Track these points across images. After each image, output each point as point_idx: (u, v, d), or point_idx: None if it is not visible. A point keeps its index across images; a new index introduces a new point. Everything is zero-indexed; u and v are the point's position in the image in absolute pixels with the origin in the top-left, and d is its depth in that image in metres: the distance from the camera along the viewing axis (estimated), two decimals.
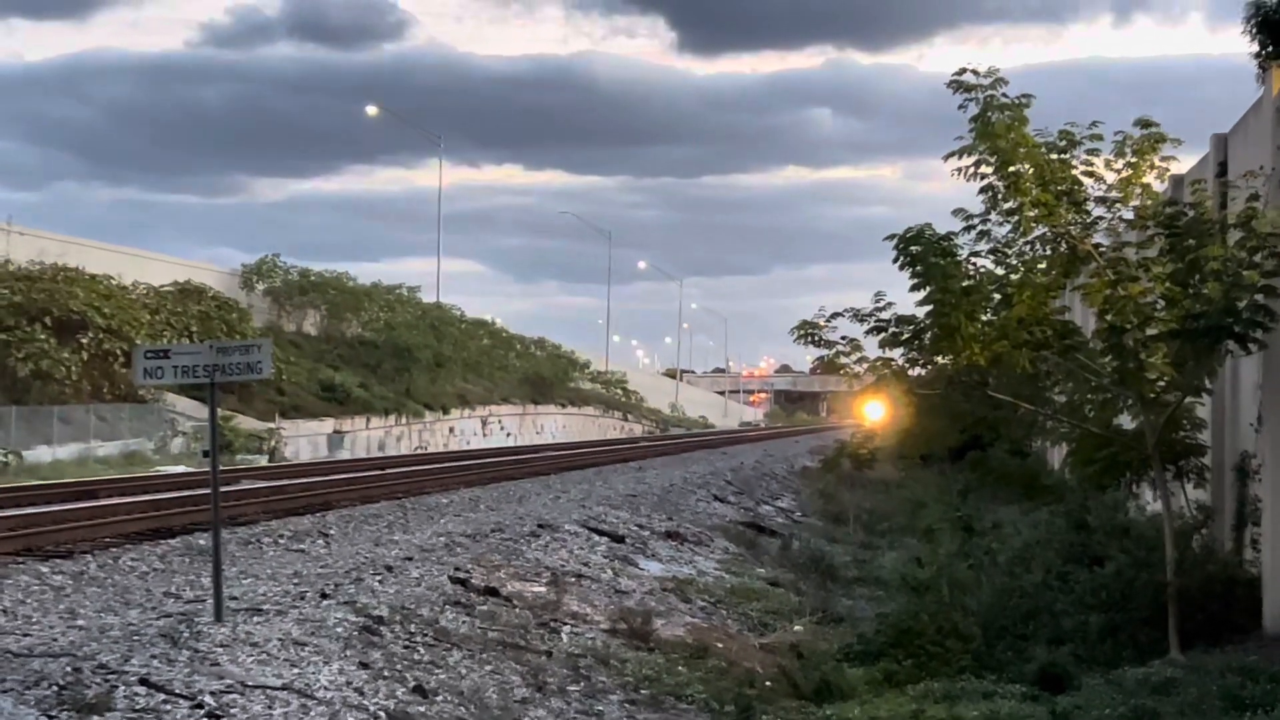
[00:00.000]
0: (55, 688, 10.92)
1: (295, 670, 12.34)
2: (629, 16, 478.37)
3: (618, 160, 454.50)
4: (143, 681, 11.22)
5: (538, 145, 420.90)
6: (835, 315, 17.15)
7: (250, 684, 11.63)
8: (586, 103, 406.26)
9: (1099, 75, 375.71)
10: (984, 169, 15.95)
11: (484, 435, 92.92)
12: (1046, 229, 16.04)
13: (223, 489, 16.37)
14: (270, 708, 11.19)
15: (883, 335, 16.86)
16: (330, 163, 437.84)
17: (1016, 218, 15.98)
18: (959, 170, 16.06)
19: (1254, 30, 25.65)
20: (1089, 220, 16.14)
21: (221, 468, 15.47)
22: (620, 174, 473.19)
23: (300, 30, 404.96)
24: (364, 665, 12.97)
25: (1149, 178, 16.01)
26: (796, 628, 18.87)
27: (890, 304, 16.89)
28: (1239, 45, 26.19)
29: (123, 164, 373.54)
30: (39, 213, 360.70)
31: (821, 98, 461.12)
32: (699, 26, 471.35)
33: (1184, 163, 18.55)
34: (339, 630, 13.93)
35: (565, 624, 16.80)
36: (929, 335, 16.42)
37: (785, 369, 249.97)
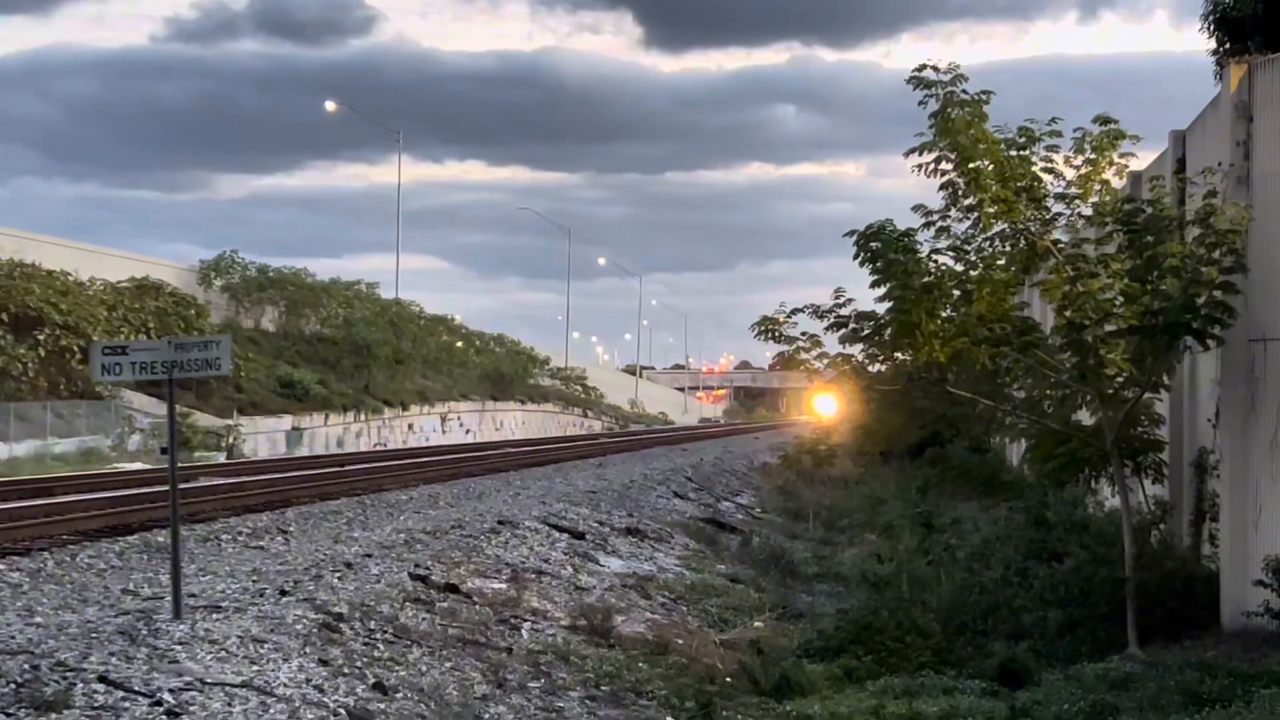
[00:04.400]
0: (13, 685, 10.85)
1: (255, 667, 12.28)
2: (595, 12, 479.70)
3: (582, 156, 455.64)
4: (101, 679, 11.16)
5: (501, 141, 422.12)
6: (795, 311, 17.17)
7: (209, 681, 11.57)
8: (551, 99, 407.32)
9: (1064, 72, 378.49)
10: (944, 165, 15.99)
11: (443, 432, 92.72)
12: (1006, 225, 16.09)
13: (181, 486, 16.30)
14: (230, 705, 11.13)
15: (843, 331, 16.88)
16: (293, 158, 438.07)
17: (976, 214, 16.04)
18: (919, 167, 16.10)
19: (1212, 27, 25.74)
20: (1048, 217, 16.21)
21: (180, 465, 15.40)
22: (584, 170, 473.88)
23: (267, 26, 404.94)
24: (324, 662, 12.92)
25: (1108, 174, 16.09)
26: (757, 624, 18.88)
27: (850, 300, 16.93)
28: (1201, 42, 26.29)
29: (84, 160, 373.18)
30: None
31: (786, 94, 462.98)
32: (667, 22, 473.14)
33: (1143, 159, 18.64)
34: (298, 627, 13.88)
35: (525, 621, 16.77)
36: (889, 331, 16.45)
37: (745, 365, 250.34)
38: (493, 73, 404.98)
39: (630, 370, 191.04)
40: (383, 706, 12.09)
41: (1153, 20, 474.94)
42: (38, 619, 14.49)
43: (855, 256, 16.40)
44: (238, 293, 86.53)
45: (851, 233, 16.48)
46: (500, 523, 24.49)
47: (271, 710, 11.24)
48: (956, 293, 16.41)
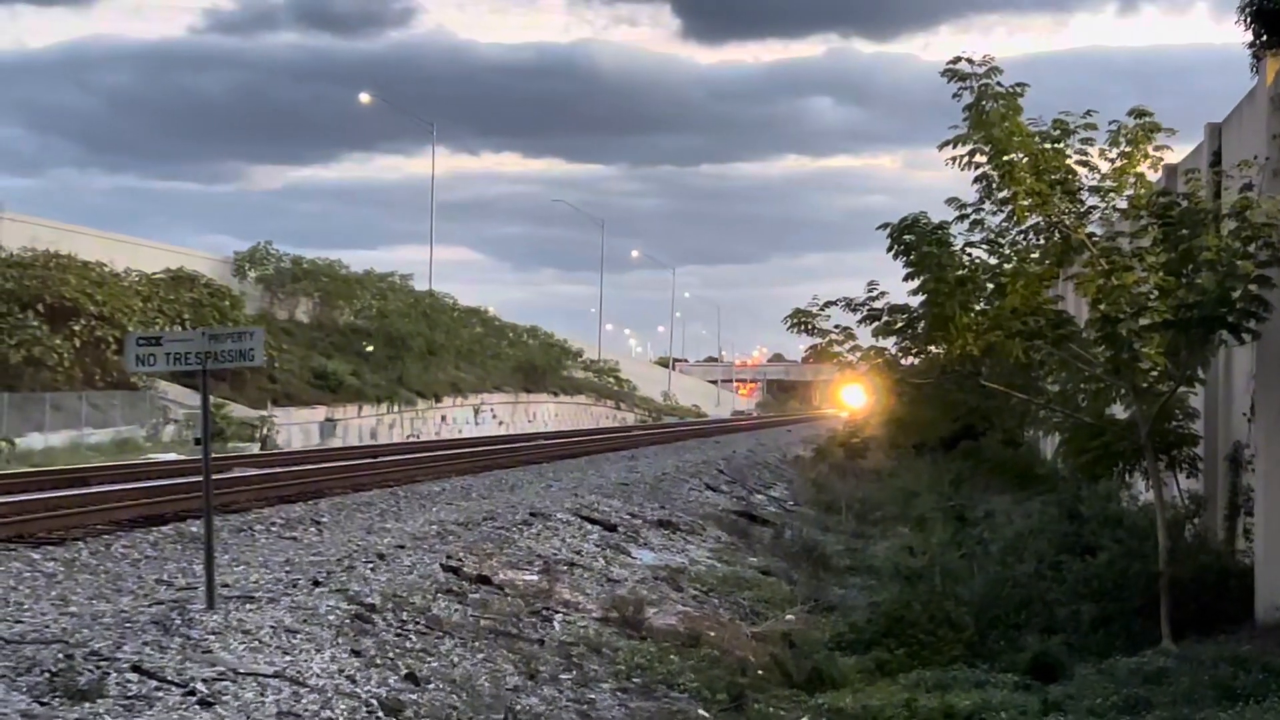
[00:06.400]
0: (47, 674, 10.91)
1: (287, 658, 12.33)
2: (632, 4, 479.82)
3: (617, 148, 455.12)
4: (135, 668, 11.21)
5: (537, 133, 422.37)
6: (828, 304, 17.13)
7: (242, 671, 11.62)
8: (587, 91, 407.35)
9: (1102, 65, 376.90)
10: (978, 158, 15.91)
11: (476, 423, 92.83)
12: (1040, 218, 16.02)
13: (215, 476, 16.35)
14: (262, 695, 11.18)
15: (876, 325, 16.83)
16: (329, 150, 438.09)
17: (1010, 207, 15.96)
18: (954, 159, 16.02)
19: (1249, 19, 25.63)
20: (1083, 210, 16.13)
21: (213, 455, 15.45)
22: (619, 162, 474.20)
23: (306, 17, 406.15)
24: (356, 653, 12.96)
25: (1143, 167, 16.00)
26: (789, 616, 18.86)
27: (884, 293, 16.89)
28: (1239, 35, 26.15)
29: (121, 151, 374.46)
30: (37, 199, 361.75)
31: (822, 87, 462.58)
32: (704, 14, 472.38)
33: (1179, 152, 18.55)
34: (331, 618, 13.92)
35: (557, 612, 16.79)
36: (922, 325, 16.40)
37: (778, 358, 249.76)
38: (529, 65, 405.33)
39: (663, 362, 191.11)
40: (415, 697, 12.11)
41: (1192, 12, 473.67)
42: (72, 608, 14.57)
43: (889, 249, 16.35)
44: (272, 284, 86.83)
45: (885, 226, 16.43)
46: (532, 515, 24.52)
47: (304, 700, 11.28)
48: (990, 286, 16.34)
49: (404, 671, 12.76)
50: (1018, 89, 15.84)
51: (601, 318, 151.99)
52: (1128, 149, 15.83)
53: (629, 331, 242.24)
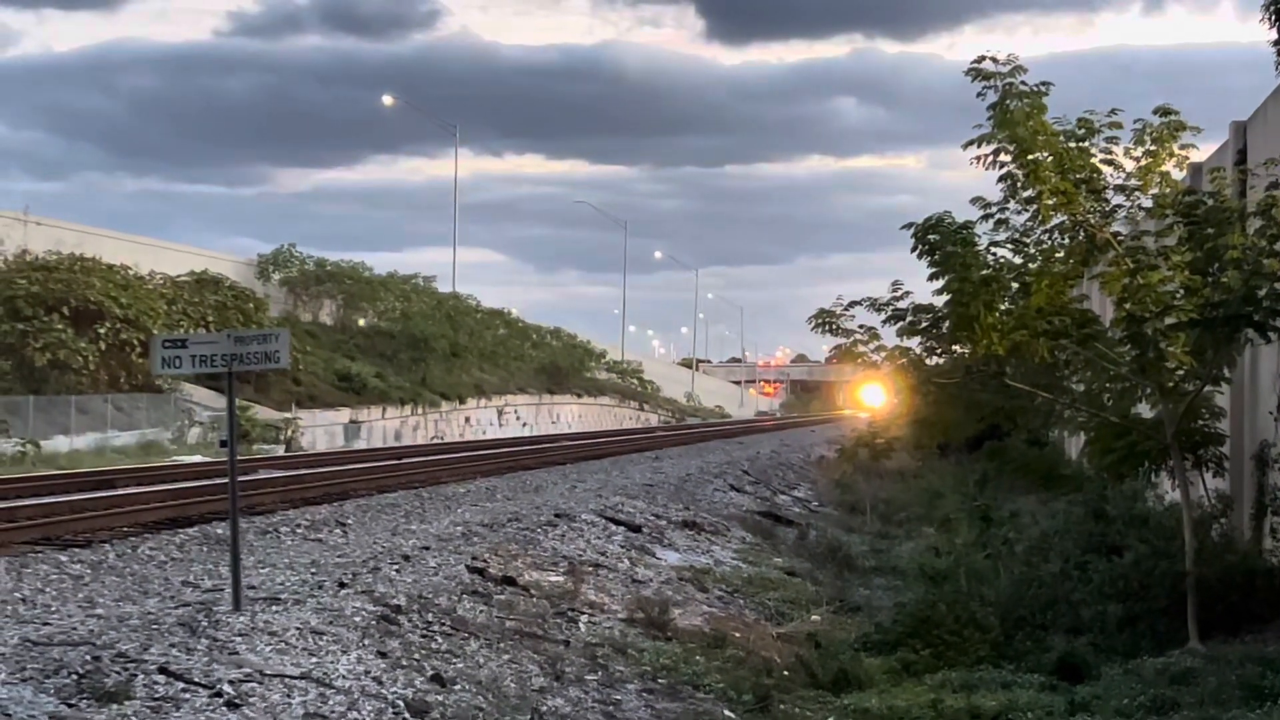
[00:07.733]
0: (74, 676, 10.94)
1: (313, 659, 12.35)
2: (656, 5, 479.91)
3: (641, 150, 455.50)
4: (161, 670, 11.24)
5: (560, 135, 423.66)
6: (853, 304, 17.10)
7: (268, 673, 11.64)
8: (610, 92, 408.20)
9: (1128, 64, 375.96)
10: (1003, 157, 15.87)
11: (500, 425, 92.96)
12: (1065, 217, 15.98)
13: (240, 478, 16.37)
14: (289, 696, 11.20)
15: (900, 324, 16.80)
16: (354, 153, 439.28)
17: (1035, 206, 15.92)
18: (978, 159, 15.97)
19: (1274, 17, 25.49)
20: (1108, 208, 16.09)
21: (239, 457, 15.48)
22: (643, 163, 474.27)
23: (331, 20, 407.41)
24: (382, 654, 12.98)
25: (1168, 166, 15.94)
26: (814, 617, 18.85)
27: (908, 293, 16.84)
28: (1263, 33, 25.97)
29: (146, 154, 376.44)
30: (63, 203, 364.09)
31: (847, 87, 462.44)
32: (728, 15, 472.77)
33: (1204, 151, 18.48)
34: (357, 619, 13.94)
35: (583, 613, 16.80)
36: (947, 324, 16.36)
37: (801, 359, 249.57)
38: (553, 66, 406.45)
39: (686, 363, 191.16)
40: (441, 698, 12.13)
41: (1218, 11, 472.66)
42: (99, 610, 14.61)
43: (913, 249, 16.30)
44: (296, 286, 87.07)
45: (910, 225, 16.39)
46: (557, 516, 24.53)
47: (330, 702, 11.30)
48: (1015, 285, 16.29)
49: (430, 673, 12.77)
50: (1042, 88, 15.79)
51: (625, 319, 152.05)
52: (1153, 148, 15.77)
53: (652, 333, 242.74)
